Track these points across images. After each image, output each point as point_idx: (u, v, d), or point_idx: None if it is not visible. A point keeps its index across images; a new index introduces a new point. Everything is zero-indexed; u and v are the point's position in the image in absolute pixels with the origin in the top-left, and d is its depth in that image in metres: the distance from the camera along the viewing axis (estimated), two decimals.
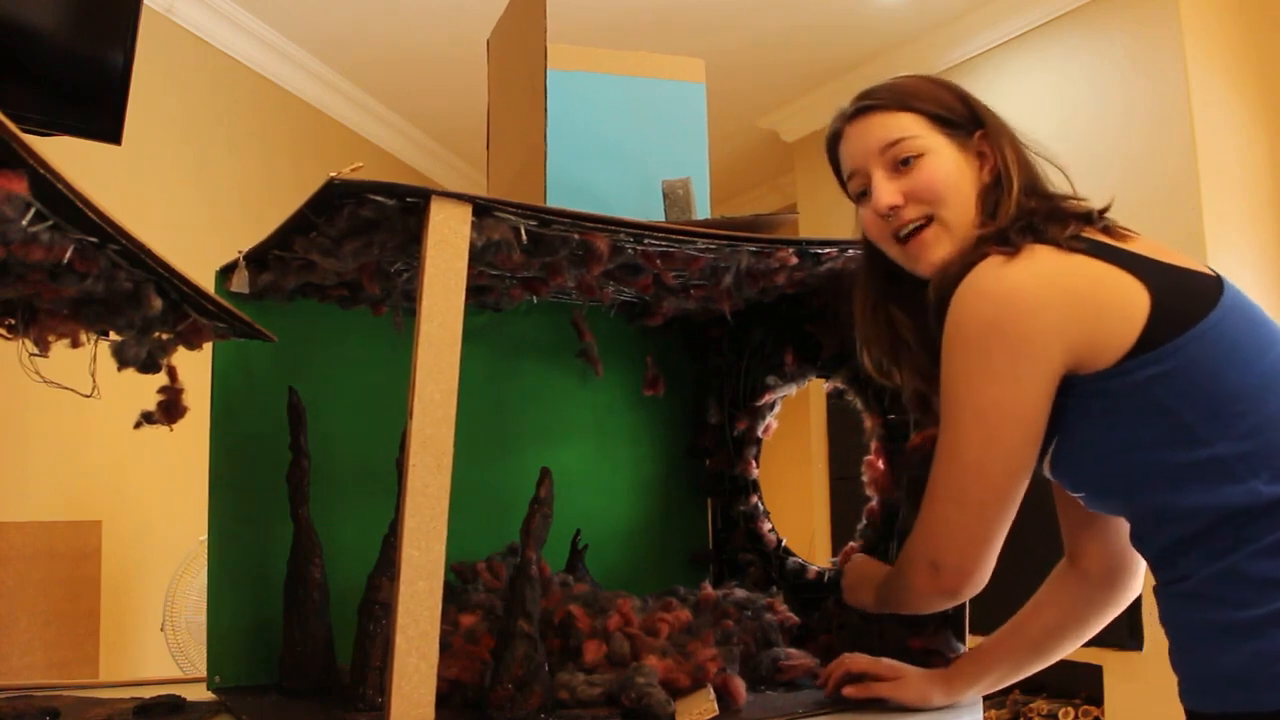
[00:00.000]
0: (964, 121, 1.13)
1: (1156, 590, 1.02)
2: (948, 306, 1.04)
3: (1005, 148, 1.11)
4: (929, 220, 1.11)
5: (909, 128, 1.12)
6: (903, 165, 1.11)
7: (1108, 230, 1.06)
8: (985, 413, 1.02)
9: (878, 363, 1.21)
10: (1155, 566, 1.03)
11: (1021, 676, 1.27)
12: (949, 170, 1.10)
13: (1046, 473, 1.10)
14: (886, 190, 1.11)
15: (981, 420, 1.02)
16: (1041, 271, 1.01)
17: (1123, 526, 1.15)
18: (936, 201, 1.10)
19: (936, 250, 1.11)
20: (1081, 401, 1.01)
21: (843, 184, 1.21)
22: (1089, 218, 1.06)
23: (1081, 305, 0.99)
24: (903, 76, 1.17)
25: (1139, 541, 1.06)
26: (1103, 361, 0.98)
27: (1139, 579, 1.20)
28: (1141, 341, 0.97)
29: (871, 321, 1.21)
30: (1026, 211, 1.06)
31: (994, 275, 1.01)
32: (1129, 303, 0.98)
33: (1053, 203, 1.08)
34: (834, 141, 1.20)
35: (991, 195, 1.10)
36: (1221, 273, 1.04)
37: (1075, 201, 1.09)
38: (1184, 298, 0.99)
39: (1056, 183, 1.13)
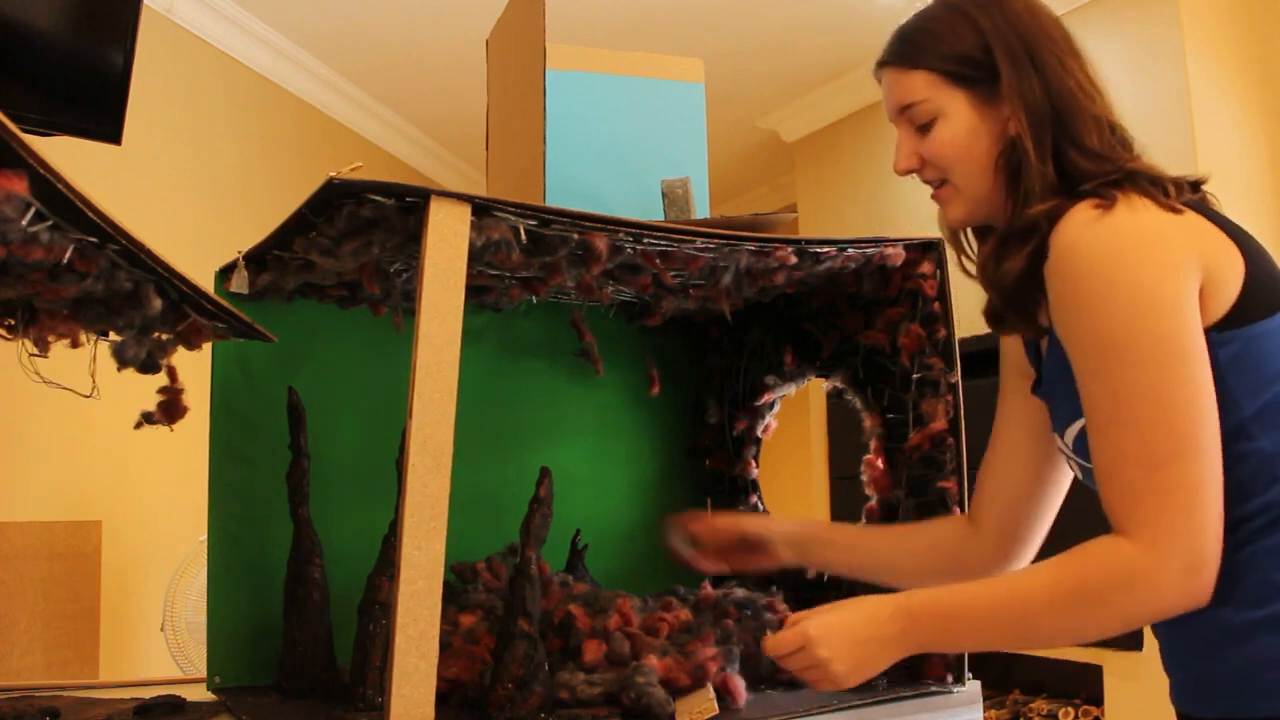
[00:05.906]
0: (983, 74, 1.03)
1: None
2: (1011, 261, 1.00)
3: (1023, 109, 1.01)
4: (944, 182, 1.09)
5: (920, 90, 1.06)
6: (921, 129, 1.08)
7: (1205, 202, 1.01)
8: (1172, 343, 0.89)
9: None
10: None
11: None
12: (957, 138, 1.05)
13: (1066, 449, 1.04)
14: (902, 154, 1.10)
15: (1172, 353, 0.89)
16: (1153, 212, 0.94)
17: (1037, 503, 1.17)
18: (946, 169, 1.07)
19: (949, 210, 1.10)
20: None
21: None
22: (1179, 185, 0.99)
23: (1202, 243, 0.93)
24: (926, 13, 1.08)
25: None
26: None
27: (1028, 556, 1.19)
28: (1229, 316, 0.92)
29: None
30: (1097, 173, 0.98)
31: (1100, 222, 0.93)
32: (1229, 268, 0.93)
33: (1122, 164, 0.99)
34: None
35: (1012, 158, 1.02)
36: None
37: (1136, 159, 1.01)
38: (1271, 278, 0.95)
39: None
